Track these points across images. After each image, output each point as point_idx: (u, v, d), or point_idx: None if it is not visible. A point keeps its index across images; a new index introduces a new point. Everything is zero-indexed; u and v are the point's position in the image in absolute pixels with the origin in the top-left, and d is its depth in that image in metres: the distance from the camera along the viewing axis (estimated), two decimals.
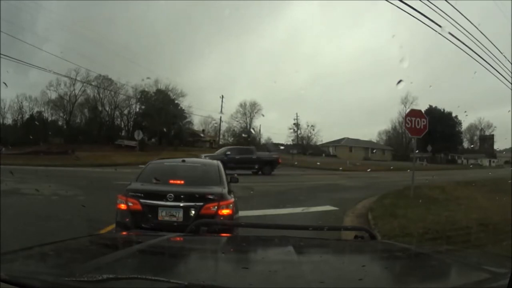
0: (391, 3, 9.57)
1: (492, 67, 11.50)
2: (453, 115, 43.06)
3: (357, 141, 45.20)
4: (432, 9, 10.04)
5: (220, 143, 41.60)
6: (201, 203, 4.61)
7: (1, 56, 19.67)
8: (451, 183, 14.00)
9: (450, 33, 10.41)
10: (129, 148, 32.40)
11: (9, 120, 37.60)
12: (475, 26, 11.23)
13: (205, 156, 16.82)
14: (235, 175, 6.11)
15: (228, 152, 20.49)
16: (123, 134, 40.69)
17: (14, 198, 8.59)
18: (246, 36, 63.58)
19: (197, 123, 44.58)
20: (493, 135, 48.11)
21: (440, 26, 10.10)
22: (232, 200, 4.80)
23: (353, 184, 16.07)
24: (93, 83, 38.65)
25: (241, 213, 5.48)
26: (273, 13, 71.20)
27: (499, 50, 11.47)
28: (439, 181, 14.75)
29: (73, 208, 7.83)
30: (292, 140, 44.05)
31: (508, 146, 41.58)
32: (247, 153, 20.95)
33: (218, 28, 64.45)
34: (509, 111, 20.04)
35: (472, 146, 49.15)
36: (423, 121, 10.59)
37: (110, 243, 1.80)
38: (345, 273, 1.36)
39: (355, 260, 1.64)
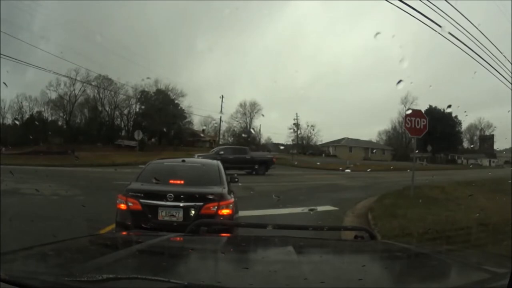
0: (391, 3, 9.56)
1: (492, 67, 11.52)
2: (453, 115, 43.17)
3: (357, 141, 45.22)
4: (432, 9, 10.05)
5: (220, 143, 41.63)
6: (201, 203, 4.61)
7: (1, 56, 19.67)
8: (451, 183, 13.99)
9: (450, 33, 10.42)
10: (129, 148, 32.40)
11: (9, 120, 37.66)
12: (475, 26, 11.25)
13: (198, 156, 16.69)
14: (235, 175, 6.11)
15: (222, 152, 20.24)
16: (123, 134, 40.70)
17: (14, 198, 8.58)
18: (246, 35, 63.84)
19: (197, 123, 44.67)
20: (493, 135, 48.19)
21: (440, 26, 10.11)
22: (232, 200, 4.80)
23: (353, 184, 16.07)
24: (93, 83, 38.72)
25: (241, 213, 5.48)
26: (273, 13, 71.18)
27: (499, 50, 11.48)
28: (439, 181, 14.74)
29: (73, 208, 7.83)
30: (292, 140, 44.12)
31: (508, 146, 41.60)
32: (241, 153, 20.75)
33: (218, 28, 64.51)
34: (509, 111, 20.04)
35: (472, 146, 49.20)
36: (423, 121, 10.59)
37: (110, 243, 1.80)
38: (345, 273, 1.36)
39: (355, 260, 1.64)
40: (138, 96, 39.96)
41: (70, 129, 38.43)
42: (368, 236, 2.01)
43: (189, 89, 57.68)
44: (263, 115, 45.40)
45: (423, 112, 12.22)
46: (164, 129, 37.77)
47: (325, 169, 24.01)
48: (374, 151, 46.69)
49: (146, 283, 1.04)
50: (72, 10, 49.41)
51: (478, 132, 49.96)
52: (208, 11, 71.91)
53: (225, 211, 4.62)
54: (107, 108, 40.87)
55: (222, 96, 41.45)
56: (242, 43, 65.66)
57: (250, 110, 44.75)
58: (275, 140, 45.21)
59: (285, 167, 26.61)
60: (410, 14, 9.95)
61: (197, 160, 6.05)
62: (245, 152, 20.98)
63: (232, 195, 4.94)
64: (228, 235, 2.35)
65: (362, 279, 1.23)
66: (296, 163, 28.95)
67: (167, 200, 4.62)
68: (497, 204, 7.74)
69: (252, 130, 42.61)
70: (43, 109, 38.79)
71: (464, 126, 46.89)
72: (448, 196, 10.22)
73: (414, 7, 9.86)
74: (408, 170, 14.47)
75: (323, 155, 40.66)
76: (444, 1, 10.39)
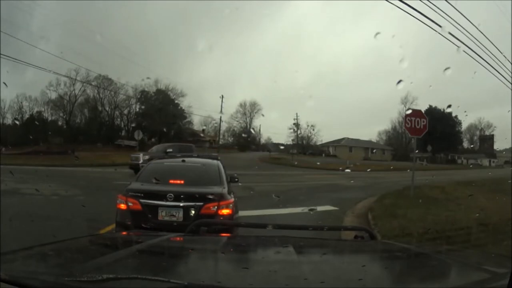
0: (391, 3, 9.57)
1: (492, 67, 11.53)
2: (453, 115, 43.17)
3: (357, 141, 45.24)
4: (432, 9, 10.06)
5: (220, 143, 41.74)
6: (201, 203, 4.61)
7: (1, 56, 19.67)
8: (451, 183, 14.00)
9: (450, 33, 10.43)
10: (129, 148, 32.38)
11: (9, 120, 37.66)
12: (475, 26, 11.26)
13: (144, 155, 16.63)
14: (235, 174, 6.11)
15: (170, 149, 20.33)
16: (123, 134, 40.71)
17: (14, 198, 8.58)
18: (246, 35, 63.77)
19: (197, 123, 44.69)
20: (493, 135, 48.20)
21: (440, 26, 10.12)
22: (232, 200, 4.80)
23: (353, 184, 16.06)
24: (93, 83, 38.75)
25: (241, 213, 5.48)
26: (273, 13, 71.18)
27: (499, 50, 11.50)
28: (439, 181, 14.75)
29: (73, 208, 7.83)
30: (292, 140, 44.17)
31: (508, 146, 41.67)
32: (186, 151, 20.90)
33: (218, 28, 64.50)
34: (509, 111, 20.09)
35: (472, 146, 49.20)
36: (423, 121, 10.59)
37: (110, 243, 1.80)
38: (345, 273, 1.36)
39: (355, 260, 1.64)
40: (138, 96, 40.05)
41: (70, 129, 38.43)
42: (368, 236, 2.00)
43: (189, 89, 57.83)
44: (263, 115, 45.59)
45: (423, 112, 12.21)
46: (164, 129, 37.75)
47: (325, 169, 23.98)
48: (374, 151, 46.69)
49: (146, 283, 1.04)
50: (72, 10, 49.44)
51: (478, 132, 50.00)
52: (208, 11, 71.96)
53: (225, 211, 4.62)
54: (107, 108, 40.97)
55: (222, 96, 41.49)
56: (242, 43, 65.80)
57: (250, 110, 44.92)
58: (275, 140, 45.38)
59: (285, 167, 26.65)
60: (410, 14, 9.97)
61: (197, 160, 6.05)
62: (191, 150, 21.16)
63: (232, 195, 4.94)
64: (228, 235, 2.35)
65: (362, 279, 1.23)
66: (296, 163, 28.95)
67: (167, 200, 4.62)
68: (497, 204, 7.74)
69: (252, 130, 42.70)
70: (43, 109, 38.87)
71: (464, 126, 46.99)
72: (448, 196, 10.22)
73: (414, 7, 9.89)
74: (408, 170, 14.47)
75: (323, 155, 40.69)
76: (444, 1, 10.41)
